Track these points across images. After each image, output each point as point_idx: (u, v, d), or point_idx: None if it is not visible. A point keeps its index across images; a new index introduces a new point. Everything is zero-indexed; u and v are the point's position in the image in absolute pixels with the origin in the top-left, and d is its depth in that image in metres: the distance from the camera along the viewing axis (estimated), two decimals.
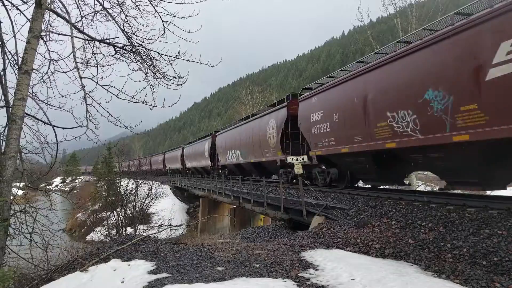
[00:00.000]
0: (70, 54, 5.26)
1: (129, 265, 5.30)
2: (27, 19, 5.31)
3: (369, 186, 10.56)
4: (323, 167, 11.85)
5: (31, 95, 5.43)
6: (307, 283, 4.33)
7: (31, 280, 5.79)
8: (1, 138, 5.05)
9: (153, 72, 5.93)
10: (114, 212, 17.50)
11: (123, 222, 17.13)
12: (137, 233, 14.22)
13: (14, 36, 5.34)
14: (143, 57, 5.88)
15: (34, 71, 5.21)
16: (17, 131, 4.85)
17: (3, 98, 5.27)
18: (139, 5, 5.62)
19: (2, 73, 5.24)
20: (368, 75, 8.63)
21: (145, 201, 18.97)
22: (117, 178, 22.70)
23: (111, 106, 5.54)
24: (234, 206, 18.58)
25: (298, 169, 9.32)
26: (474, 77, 5.73)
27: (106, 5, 5.68)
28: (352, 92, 9.22)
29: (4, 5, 5.35)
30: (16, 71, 5.28)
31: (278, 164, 14.23)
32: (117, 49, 5.80)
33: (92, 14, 5.76)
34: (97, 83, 5.55)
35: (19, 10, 5.40)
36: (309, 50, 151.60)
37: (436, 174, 7.76)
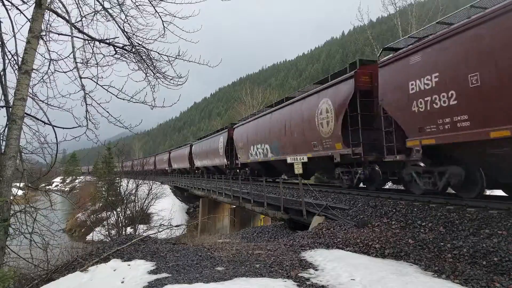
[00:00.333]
0: (70, 54, 5.27)
1: (129, 265, 5.30)
2: (27, 19, 5.31)
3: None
4: (423, 164, 7.88)
5: (31, 95, 5.44)
6: (307, 283, 4.33)
7: (31, 280, 5.80)
8: (1, 138, 5.05)
9: (153, 72, 5.93)
10: (114, 212, 17.50)
11: (123, 222, 17.12)
12: (137, 233, 14.22)
13: (14, 36, 5.34)
14: (143, 57, 5.88)
15: (34, 71, 5.21)
16: (17, 131, 4.85)
17: (3, 98, 5.28)
18: (139, 5, 5.62)
19: (2, 73, 5.24)
20: None
21: (145, 201, 18.97)
22: (117, 178, 22.70)
23: (111, 106, 5.54)
24: (234, 206, 18.55)
25: (298, 169, 9.31)
26: None
27: (106, 5, 5.69)
28: None
29: (4, 5, 5.35)
30: (16, 71, 5.29)
31: (337, 161, 10.16)
32: (117, 49, 5.80)
33: (92, 14, 5.76)
34: (97, 83, 5.56)
35: (19, 10, 5.40)
36: (309, 50, 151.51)
37: None
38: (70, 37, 5.30)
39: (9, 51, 5.43)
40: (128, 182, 19.36)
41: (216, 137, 24.52)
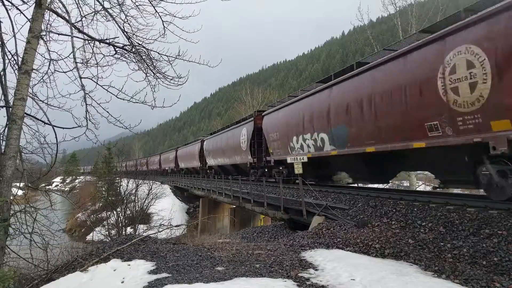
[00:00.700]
0: (70, 54, 5.26)
1: (129, 265, 5.30)
2: (27, 19, 5.31)
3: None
4: None
5: (31, 95, 5.44)
6: (307, 283, 4.33)
7: (31, 280, 5.80)
8: (1, 138, 5.06)
9: (153, 72, 5.93)
10: (114, 212, 17.50)
11: (123, 222, 17.12)
12: (137, 233, 14.21)
13: (14, 36, 5.34)
14: (143, 57, 5.88)
15: (34, 71, 5.21)
16: (17, 131, 4.85)
17: (3, 98, 5.28)
18: (139, 5, 5.62)
19: (2, 73, 5.24)
20: None
21: (145, 201, 18.97)
22: (117, 178, 22.70)
23: (111, 106, 5.55)
24: (234, 206, 18.55)
25: (298, 169, 9.30)
26: None
27: (106, 5, 5.69)
28: None
29: (4, 5, 5.35)
30: (16, 71, 5.29)
31: (499, 152, 5.38)
32: (117, 49, 5.80)
33: (92, 14, 5.76)
34: (97, 83, 5.56)
35: (19, 10, 5.40)
36: (309, 50, 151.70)
37: None
38: (70, 37, 5.30)
39: (9, 51, 5.45)
40: (128, 182, 19.37)
41: (237, 129, 19.73)
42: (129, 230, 16.88)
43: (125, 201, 18.06)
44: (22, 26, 5.48)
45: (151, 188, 19.33)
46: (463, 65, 6.26)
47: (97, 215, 26.35)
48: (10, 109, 4.94)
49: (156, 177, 32.76)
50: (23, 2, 5.39)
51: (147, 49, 5.86)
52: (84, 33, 5.70)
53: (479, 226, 5.43)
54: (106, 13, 5.70)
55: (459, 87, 6.34)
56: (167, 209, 22.77)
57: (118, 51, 5.83)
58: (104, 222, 19.80)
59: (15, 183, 5.45)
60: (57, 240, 6.58)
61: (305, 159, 9.44)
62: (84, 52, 5.75)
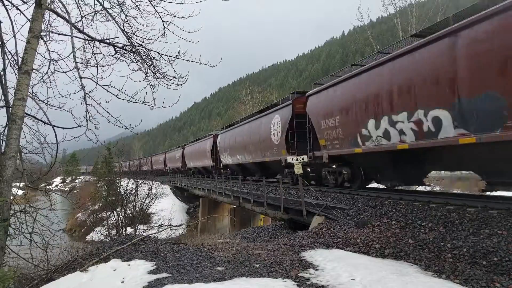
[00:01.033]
0: (70, 54, 5.25)
1: (129, 265, 5.30)
2: (27, 19, 5.31)
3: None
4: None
5: (31, 95, 5.43)
6: (307, 283, 4.33)
7: (31, 280, 5.80)
8: (1, 138, 5.05)
9: (153, 72, 5.93)
10: (114, 212, 17.50)
11: (123, 222, 17.11)
12: (137, 233, 14.21)
13: (14, 36, 5.34)
14: (143, 57, 5.87)
15: (34, 71, 5.21)
16: (17, 131, 4.85)
17: (3, 98, 5.27)
18: (139, 5, 5.62)
19: (2, 73, 5.24)
20: None
21: (145, 201, 18.97)
22: (117, 178, 22.69)
23: (111, 106, 5.53)
24: (234, 206, 18.55)
25: (298, 169, 9.30)
26: None
27: (106, 5, 5.69)
28: None
29: (4, 5, 5.35)
30: (16, 71, 5.28)
31: None
32: (117, 49, 5.80)
33: (92, 14, 5.75)
34: (97, 83, 5.55)
35: (19, 10, 5.40)
36: (309, 50, 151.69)
37: None
38: (70, 37, 5.30)
39: (9, 51, 5.43)
40: (128, 182, 19.37)
41: (265, 118, 16.10)
42: (129, 230, 16.89)
43: (125, 201, 18.07)
44: (22, 26, 5.49)
45: (151, 188, 19.33)
46: None
47: (97, 215, 26.34)
48: (10, 109, 4.94)
49: (156, 177, 32.69)
50: (23, 2, 5.39)
51: (147, 49, 5.86)
52: (84, 33, 5.70)
53: (479, 226, 5.44)
54: (106, 13, 5.70)
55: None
56: (167, 209, 22.77)
57: (118, 51, 5.82)
58: (104, 222, 19.79)
59: (15, 183, 5.44)
60: (57, 240, 6.58)
61: (305, 159, 9.37)
62: (84, 52, 5.76)
